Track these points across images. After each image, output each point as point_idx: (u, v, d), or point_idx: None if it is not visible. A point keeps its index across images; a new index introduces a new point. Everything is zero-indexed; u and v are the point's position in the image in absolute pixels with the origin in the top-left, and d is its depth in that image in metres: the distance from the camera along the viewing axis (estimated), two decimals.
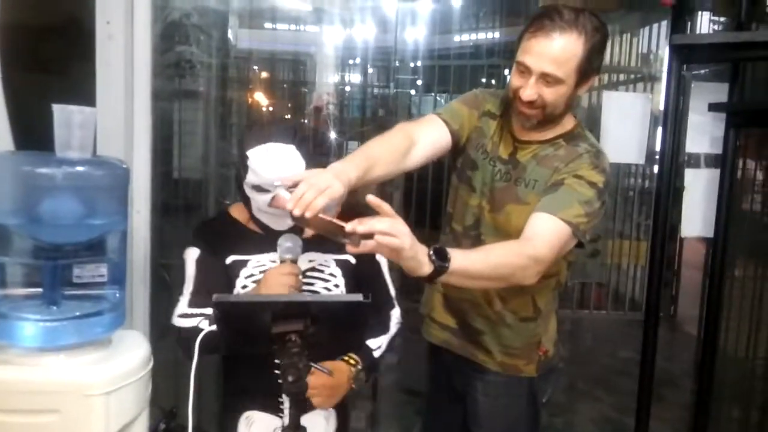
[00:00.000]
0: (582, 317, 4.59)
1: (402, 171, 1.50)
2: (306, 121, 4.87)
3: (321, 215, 1.16)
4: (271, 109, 4.51)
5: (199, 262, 1.46)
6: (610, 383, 2.94)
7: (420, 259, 1.21)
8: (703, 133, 2.67)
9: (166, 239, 2.49)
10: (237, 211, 1.52)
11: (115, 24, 2.09)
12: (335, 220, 1.15)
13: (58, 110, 1.31)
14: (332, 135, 5.11)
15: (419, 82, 5.63)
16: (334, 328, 1.11)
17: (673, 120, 2.38)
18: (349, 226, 1.13)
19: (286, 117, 4.53)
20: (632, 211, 4.97)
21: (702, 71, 3.01)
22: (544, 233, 1.39)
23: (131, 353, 1.40)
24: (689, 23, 2.68)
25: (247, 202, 1.45)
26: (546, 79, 1.41)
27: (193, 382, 1.26)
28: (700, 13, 2.80)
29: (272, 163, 1.37)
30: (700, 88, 2.81)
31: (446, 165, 5.50)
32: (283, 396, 1.20)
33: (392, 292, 1.60)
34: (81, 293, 1.33)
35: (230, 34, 3.65)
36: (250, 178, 1.39)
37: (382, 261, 1.58)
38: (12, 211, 1.27)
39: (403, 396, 3.28)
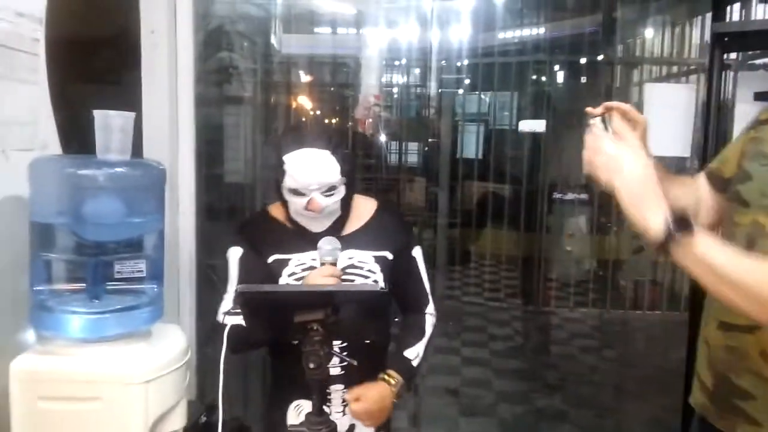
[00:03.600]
0: (635, 318, 4.48)
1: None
2: (351, 123, 4.92)
3: None
4: (316, 112, 4.58)
5: (242, 260, 1.50)
6: (662, 384, 2.87)
7: (651, 206, 1.01)
8: None
9: (213, 241, 2.58)
10: (276, 211, 1.56)
11: (159, 33, 2.18)
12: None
13: (99, 115, 1.38)
14: (380, 136, 5.15)
15: (465, 81, 5.60)
16: (355, 317, 1.14)
17: (716, 110, 2.32)
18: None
19: (324, 121, 4.58)
20: None
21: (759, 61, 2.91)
22: None
23: (169, 345, 1.46)
24: (743, 11, 2.60)
25: (285, 203, 1.49)
26: None
27: (222, 373, 1.30)
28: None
29: (308, 168, 1.41)
30: (748, 77, 2.73)
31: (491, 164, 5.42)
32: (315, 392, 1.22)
33: (428, 287, 1.62)
34: (121, 288, 1.40)
35: (273, 39, 3.73)
36: (287, 182, 1.43)
37: (418, 257, 1.59)
38: (57, 210, 1.36)
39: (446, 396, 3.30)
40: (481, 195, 5.45)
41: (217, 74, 3.01)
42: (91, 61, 2.41)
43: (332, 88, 5.00)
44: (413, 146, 5.47)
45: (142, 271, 1.40)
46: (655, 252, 1.04)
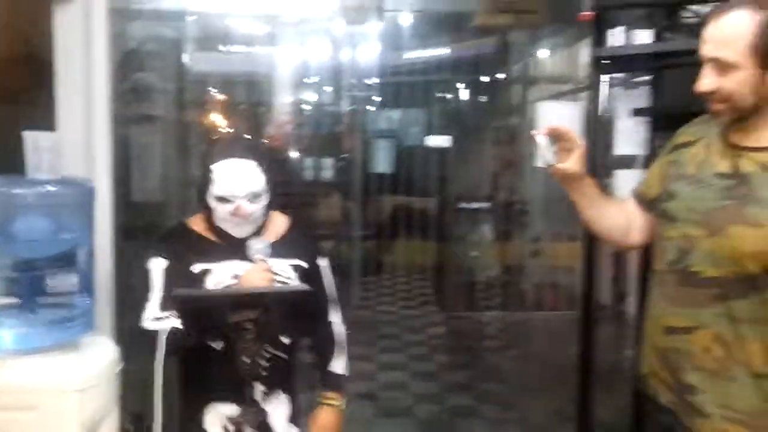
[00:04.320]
0: (537, 318, 4.77)
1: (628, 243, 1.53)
2: (265, 140, 4.99)
3: None
4: (229, 129, 4.63)
5: (167, 270, 1.55)
6: (560, 378, 3.10)
7: None
8: (632, 136, 2.88)
9: (128, 258, 2.61)
10: (195, 223, 1.63)
11: (74, 53, 2.23)
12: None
13: (29, 136, 1.44)
14: (293, 153, 5.24)
15: (376, 99, 5.78)
16: (287, 317, 1.26)
17: (597, 125, 2.60)
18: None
19: (247, 135, 4.64)
20: None
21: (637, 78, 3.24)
22: None
23: (101, 355, 1.53)
24: (626, 34, 2.90)
25: (209, 212, 1.58)
26: (718, 66, 1.26)
27: (161, 377, 1.38)
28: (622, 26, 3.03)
29: (235, 176, 1.51)
30: (629, 95, 3.05)
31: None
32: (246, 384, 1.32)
33: (334, 293, 1.73)
34: (54, 301, 1.46)
35: (186, 58, 3.77)
36: (215, 189, 1.51)
37: (324, 263, 1.71)
38: None
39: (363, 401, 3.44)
40: (393, 208, 5.66)
41: (133, 94, 3.04)
42: (4, 81, 2.40)
43: (246, 106, 5.06)
44: (326, 162, 5.60)
45: (74, 284, 1.47)
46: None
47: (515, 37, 4.27)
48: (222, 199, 1.50)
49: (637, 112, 2.74)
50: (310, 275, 1.64)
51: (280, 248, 1.59)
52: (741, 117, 1.30)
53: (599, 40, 2.60)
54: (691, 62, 2.69)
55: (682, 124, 2.71)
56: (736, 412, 1.28)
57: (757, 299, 1.25)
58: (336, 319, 1.72)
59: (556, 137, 1.39)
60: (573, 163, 1.38)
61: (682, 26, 2.83)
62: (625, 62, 2.68)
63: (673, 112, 2.80)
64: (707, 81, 1.28)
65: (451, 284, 5.24)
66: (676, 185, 1.39)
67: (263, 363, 1.21)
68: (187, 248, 1.57)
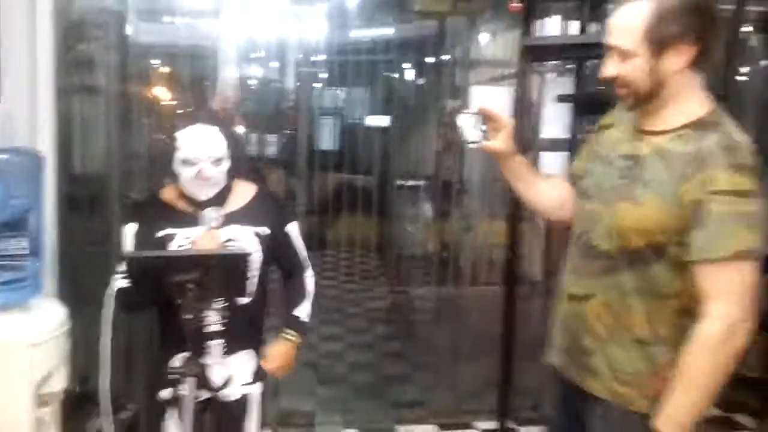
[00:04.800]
0: (474, 293, 4.95)
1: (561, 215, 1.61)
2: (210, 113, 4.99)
3: None
4: (173, 103, 4.63)
5: (136, 235, 1.67)
6: (491, 347, 3.29)
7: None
8: (558, 120, 3.09)
9: (72, 227, 2.67)
10: (167, 193, 1.75)
11: (18, 25, 2.26)
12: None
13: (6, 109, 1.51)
14: (239, 127, 5.27)
15: (322, 76, 5.83)
16: (230, 278, 1.39)
17: (521, 110, 2.79)
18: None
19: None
20: None
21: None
22: (715, 286, 1.26)
23: (49, 315, 1.63)
24: (564, 24, 3.08)
25: (176, 178, 1.68)
26: (618, 53, 1.33)
27: (109, 334, 1.49)
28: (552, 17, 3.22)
29: (198, 141, 1.62)
30: (558, 81, 3.25)
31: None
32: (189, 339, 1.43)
33: (304, 254, 1.88)
34: (5, 264, 1.54)
35: (129, 30, 3.76)
36: (180, 154, 1.63)
37: (293, 231, 1.85)
38: None
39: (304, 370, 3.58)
40: (337, 184, 5.77)
41: (76, 66, 3.05)
42: None
43: (190, 79, 5.04)
44: (272, 138, 5.66)
45: (25, 248, 1.56)
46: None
47: (457, 21, 4.41)
48: (186, 162, 1.62)
49: (561, 98, 2.95)
50: (276, 241, 1.76)
51: (243, 216, 1.71)
52: (643, 102, 1.35)
53: (527, 30, 2.78)
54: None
55: (602, 110, 2.94)
56: (623, 374, 1.39)
57: (641, 272, 1.35)
58: (308, 274, 1.87)
59: (486, 117, 1.50)
60: (501, 141, 1.50)
61: (603, 17, 3.04)
62: (551, 52, 2.87)
63: (593, 99, 3.04)
64: (609, 68, 1.35)
65: (391, 259, 5.42)
66: (592, 165, 1.50)
67: (207, 320, 1.34)
68: (155, 215, 1.69)
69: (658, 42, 1.28)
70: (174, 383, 1.56)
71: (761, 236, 1.25)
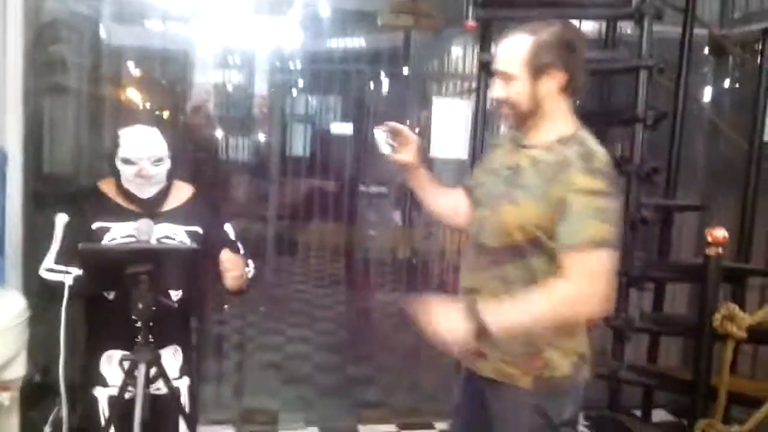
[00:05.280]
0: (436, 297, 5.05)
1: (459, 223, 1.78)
2: (183, 118, 5.04)
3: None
4: (146, 105, 4.67)
5: (67, 226, 1.73)
6: None
7: (462, 325, 1.41)
8: None
9: (39, 225, 2.72)
10: (106, 186, 1.81)
11: None
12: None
13: None
14: (212, 132, 5.31)
15: (299, 83, 5.90)
16: (177, 271, 1.48)
17: (481, 121, 2.91)
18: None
19: (155, 107, 4.69)
20: None
21: None
22: (575, 266, 1.44)
23: (10, 305, 1.70)
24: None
25: (117, 175, 1.75)
26: (503, 77, 1.55)
27: (64, 323, 1.56)
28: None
29: (139, 141, 1.70)
30: None
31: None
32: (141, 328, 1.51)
33: (243, 250, 1.93)
34: None
35: (102, 33, 3.82)
36: (121, 152, 1.70)
37: (230, 230, 1.93)
38: None
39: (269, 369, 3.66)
40: (308, 190, 5.85)
41: (47, 67, 3.11)
42: None
43: (164, 82, 5.08)
44: (245, 143, 5.72)
45: None
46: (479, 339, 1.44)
47: (423, 35, 4.52)
48: (127, 161, 1.70)
49: None
50: (213, 240, 1.83)
51: (178, 216, 1.79)
52: (524, 119, 1.59)
53: (484, 46, 2.91)
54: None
55: None
56: (507, 355, 1.58)
57: (522, 264, 1.55)
58: (250, 264, 1.91)
59: (395, 133, 1.69)
60: (407, 154, 1.69)
61: None
62: None
63: None
64: (497, 90, 1.58)
65: (359, 265, 5.50)
66: (483, 176, 1.72)
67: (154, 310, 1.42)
68: (92, 207, 1.75)
69: (536, 68, 1.52)
70: (103, 381, 1.63)
71: (614, 230, 1.46)
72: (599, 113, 3.03)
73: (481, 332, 1.41)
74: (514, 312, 1.45)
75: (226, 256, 1.74)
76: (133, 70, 4.38)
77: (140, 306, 1.39)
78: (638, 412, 3.06)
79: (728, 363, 2.40)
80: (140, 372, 1.42)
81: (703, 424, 2.12)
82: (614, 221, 1.47)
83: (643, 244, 3.01)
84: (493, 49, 3.02)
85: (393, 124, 1.68)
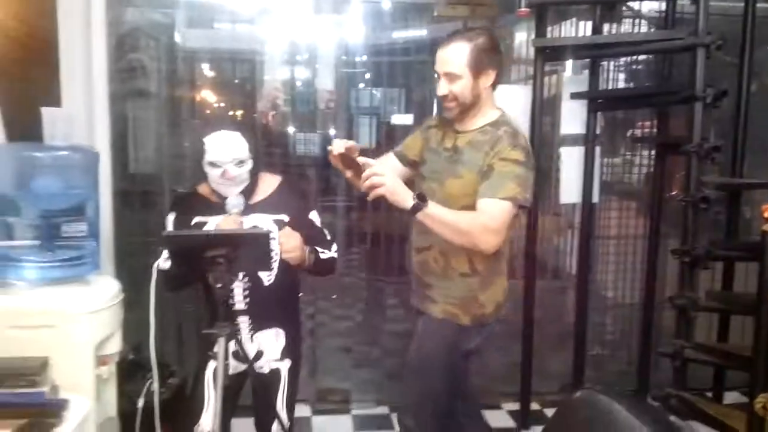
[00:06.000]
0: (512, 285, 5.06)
1: None
2: (256, 115, 5.23)
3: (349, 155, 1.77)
4: (220, 105, 4.88)
5: (175, 222, 1.92)
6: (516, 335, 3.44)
7: (404, 196, 1.71)
8: (575, 117, 3.21)
9: (128, 219, 2.96)
10: (203, 188, 1.99)
11: (75, 37, 2.54)
12: (357, 159, 1.76)
13: (46, 111, 1.79)
14: (283, 128, 5.49)
15: (365, 76, 6.00)
16: (253, 255, 1.63)
17: (540, 108, 2.94)
18: (361, 159, 1.76)
19: (236, 112, 4.92)
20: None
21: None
22: (490, 210, 1.79)
23: (105, 288, 1.90)
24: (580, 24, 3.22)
25: (206, 178, 1.92)
26: (449, 77, 1.88)
27: (153, 308, 1.73)
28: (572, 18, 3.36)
29: (222, 145, 1.85)
30: (574, 80, 3.37)
31: None
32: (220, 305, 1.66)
33: (329, 236, 2.09)
34: (68, 244, 1.82)
35: (177, 38, 4.03)
36: (207, 157, 1.86)
37: (315, 218, 2.06)
38: (15, 184, 1.76)
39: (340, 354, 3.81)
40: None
41: (128, 72, 3.35)
42: (20, 64, 2.71)
43: (236, 82, 5.27)
44: (314, 137, 5.90)
45: (83, 231, 1.83)
46: (410, 215, 1.75)
47: (481, 23, 4.55)
48: (213, 165, 1.85)
49: (573, 96, 3.09)
50: (299, 226, 1.95)
51: (266, 206, 1.94)
52: (465, 110, 1.92)
53: (540, 32, 2.94)
54: (620, 52, 3.05)
55: (613, 106, 3.07)
56: (453, 299, 1.99)
57: None
58: (334, 248, 2.06)
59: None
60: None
61: (617, 19, 3.17)
62: (565, 52, 3.02)
63: (604, 96, 3.17)
64: (442, 88, 1.90)
65: None
66: (426, 154, 2.08)
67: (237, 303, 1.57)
68: (191, 206, 1.94)
69: (476, 68, 1.88)
70: (211, 355, 1.81)
71: (524, 192, 1.83)
72: (659, 93, 3.01)
73: (417, 207, 1.72)
74: (444, 212, 1.77)
75: (282, 232, 1.87)
76: (207, 72, 4.59)
77: (219, 286, 1.54)
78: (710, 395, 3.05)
79: None
80: (220, 346, 1.57)
81: (763, 398, 2.11)
82: (526, 186, 1.84)
83: (715, 225, 2.99)
84: (548, 34, 3.07)
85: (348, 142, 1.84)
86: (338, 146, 1.81)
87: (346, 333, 4.00)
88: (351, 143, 1.83)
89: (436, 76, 1.93)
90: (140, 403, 2.06)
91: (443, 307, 2.01)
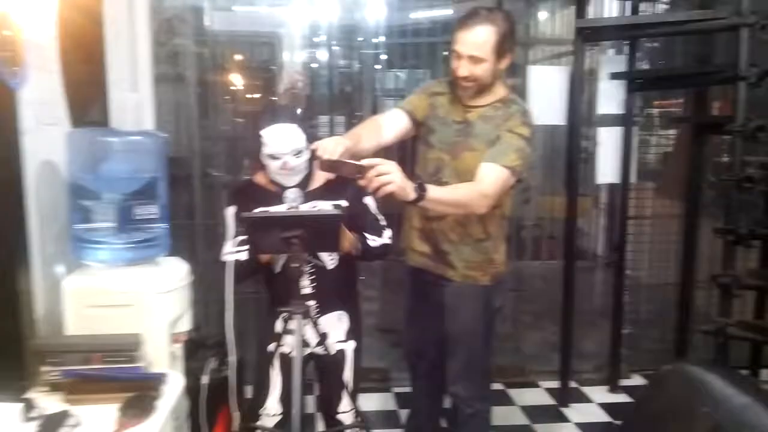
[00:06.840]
0: (535, 266, 5.06)
1: (382, 145, 2.08)
2: (276, 98, 5.24)
3: (342, 159, 1.70)
4: (242, 88, 4.89)
5: (236, 214, 1.96)
6: (555, 316, 3.49)
7: (408, 189, 1.71)
8: (612, 97, 3.23)
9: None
10: (259, 177, 2.03)
11: (120, 24, 2.58)
12: (352, 161, 1.68)
13: (116, 98, 1.83)
14: (304, 111, 5.50)
15: (383, 57, 5.97)
16: (324, 236, 1.68)
17: (579, 88, 2.96)
18: (364, 161, 1.67)
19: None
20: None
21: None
22: (490, 176, 1.90)
23: (176, 269, 1.96)
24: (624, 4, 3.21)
25: (265, 168, 1.96)
26: (472, 60, 1.93)
27: (231, 298, 1.79)
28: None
29: (280, 138, 1.88)
30: (611, 60, 3.38)
31: None
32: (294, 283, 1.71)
33: (383, 221, 2.10)
34: (140, 227, 1.87)
35: (205, 21, 4.04)
36: (266, 149, 1.89)
37: (370, 203, 2.08)
38: (90, 167, 1.82)
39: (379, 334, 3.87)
40: (399, 159, 5.99)
41: (167, 57, 3.38)
42: (80, 52, 2.76)
43: (258, 64, 5.26)
44: (339, 119, 5.91)
45: (155, 213, 1.88)
46: (412, 205, 1.78)
47: (514, 1, 4.53)
48: (272, 157, 1.89)
49: (614, 76, 3.10)
50: (354, 211, 2.00)
51: (325, 192, 1.98)
52: (482, 90, 2.01)
53: (581, 12, 2.95)
54: (662, 32, 3.05)
55: (652, 86, 3.07)
56: (470, 263, 2.12)
57: None
58: (387, 234, 2.07)
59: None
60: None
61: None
62: (604, 32, 3.03)
63: (645, 76, 3.18)
64: (464, 69, 1.96)
65: None
66: (433, 122, 2.13)
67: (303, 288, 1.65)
68: (250, 197, 1.98)
69: (499, 52, 1.95)
70: (278, 339, 1.87)
71: (524, 165, 1.95)
72: (700, 73, 3.02)
73: (419, 197, 1.74)
74: (442, 192, 1.83)
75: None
76: (233, 54, 4.59)
77: (295, 265, 1.59)
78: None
79: None
80: (297, 324, 1.63)
81: None
82: (526, 160, 1.96)
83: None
84: (588, 14, 3.08)
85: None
86: (331, 151, 1.73)
87: (384, 314, 4.05)
88: (346, 144, 1.79)
89: (453, 54, 1.98)
90: (205, 380, 2.13)
91: (462, 272, 2.13)
